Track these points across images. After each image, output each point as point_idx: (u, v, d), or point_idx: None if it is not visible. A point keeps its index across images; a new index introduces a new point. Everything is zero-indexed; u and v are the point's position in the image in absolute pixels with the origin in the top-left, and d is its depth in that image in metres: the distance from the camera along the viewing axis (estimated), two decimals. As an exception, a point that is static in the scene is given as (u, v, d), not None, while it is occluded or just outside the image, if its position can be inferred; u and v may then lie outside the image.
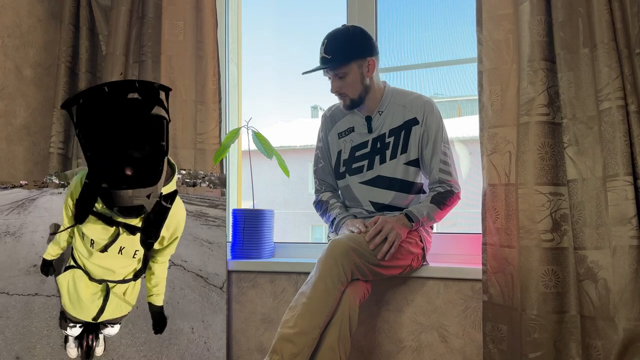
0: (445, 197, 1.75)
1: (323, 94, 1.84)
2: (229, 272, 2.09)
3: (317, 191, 1.95)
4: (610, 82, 1.48)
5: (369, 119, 1.82)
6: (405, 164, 1.79)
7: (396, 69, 2.25)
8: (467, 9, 2.00)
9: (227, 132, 2.25)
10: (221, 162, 2.08)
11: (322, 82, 1.83)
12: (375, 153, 1.81)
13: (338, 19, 1.85)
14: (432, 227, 1.88)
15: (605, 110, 1.49)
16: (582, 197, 1.55)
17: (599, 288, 1.50)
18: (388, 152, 1.80)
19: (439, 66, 2.34)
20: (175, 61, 2.09)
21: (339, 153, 1.88)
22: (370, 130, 1.82)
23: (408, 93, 1.85)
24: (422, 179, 1.84)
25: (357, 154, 1.84)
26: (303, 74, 1.81)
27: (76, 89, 2.16)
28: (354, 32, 1.76)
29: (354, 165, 1.84)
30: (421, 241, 1.77)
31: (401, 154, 1.79)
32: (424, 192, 1.85)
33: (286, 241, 2.25)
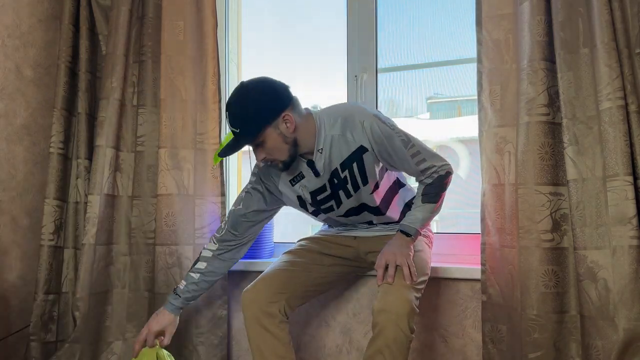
0: (436, 187, 1.61)
1: (323, 94, 1.84)
2: (229, 272, 2.09)
3: (215, 238, 1.75)
4: (610, 82, 1.48)
5: (311, 164, 1.61)
6: (372, 193, 1.64)
7: (396, 69, 2.25)
8: (467, 9, 2.00)
9: (227, 132, 2.25)
10: (221, 162, 2.08)
11: (323, 82, 1.82)
12: (337, 191, 1.64)
13: (338, 19, 1.84)
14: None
15: (605, 110, 1.49)
16: (582, 197, 1.55)
17: (599, 288, 1.50)
18: (349, 187, 1.62)
19: (439, 66, 2.33)
20: (175, 61, 2.09)
21: (299, 198, 1.69)
22: (317, 174, 1.62)
23: (335, 115, 1.59)
24: (391, 177, 1.71)
25: (319, 197, 1.66)
26: (220, 155, 1.59)
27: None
28: (252, 95, 1.52)
29: (323, 207, 1.69)
30: (429, 241, 1.78)
31: (364, 185, 1.62)
32: (402, 185, 1.75)
33: (286, 241, 2.25)
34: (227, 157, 2.22)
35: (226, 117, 1.55)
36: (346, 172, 1.60)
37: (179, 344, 2.00)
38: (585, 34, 1.56)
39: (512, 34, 1.69)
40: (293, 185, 1.67)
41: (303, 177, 1.64)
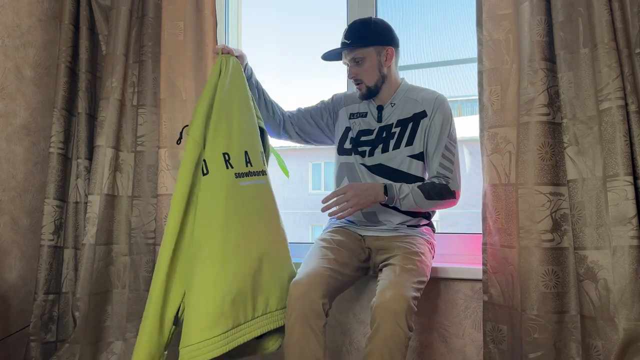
0: (437, 189, 1.70)
1: (324, 94, 1.85)
2: (229, 272, 2.09)
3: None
4: (610, 82, 1.48)
5: (380, 108, 1.82)
6: (409, 156, 1.76)
7: (396, 69, 2.25)
8: (467, 9, 2.00)
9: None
10: (221, 162, 2.08)
11: (322, 81, 1.83)
12: (379, 141, 1.79)
13: (338, 20, 1.85)
14: (433, 230, 1.88)
15: (605, 110, 1.49)
16: (582, 197, 1.55)
17: (599, 288, 1.50)
18: (392, 142, 1.78)
19: (439, 66, 2.34)
20: (175, 61, 2.09)
21: (347, 129, 1.86)
22: (379, 120, 1.82)
23: (423, 89, 1.84)
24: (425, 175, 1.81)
25: (363, 138, 1.83)
26: (322, 57, 1.83)
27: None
28: (375, 21, 1.80)
29: (359, 148, 1.82)
30: (431, 248, 1.78)
31: (406, 145, 1.76)
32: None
33: (286, 241, 2.24)
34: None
35: (344, 30, 1.78)
36: (398, 129, 1.78)
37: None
38: (585, 34, 1.56)
39: (513, 34, 1.69)
40: (350, 118, 1.88)
41: (364, 116, 1.85)
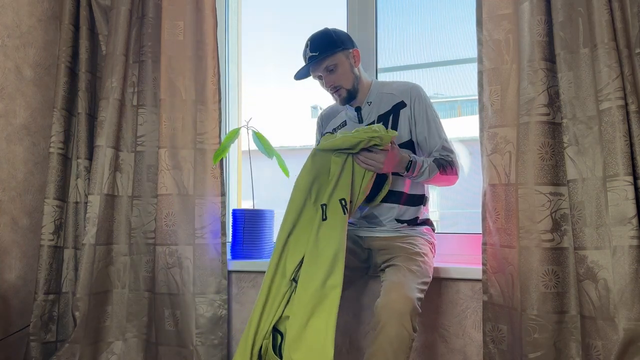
0: (447, 164, 1.74)
1: (323, 94, 1.85)
2: (229, 272, 2.09)
3: None
4: (610, 82, 1.48)
5: (358, 110, 1.84)
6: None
7: (396, 69, 2.25)
8: (467, 8, 2.00)
9: (227, 132, 2.25)
10: (221, 162, 2.08)
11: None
12: None
13: (338, 19, 1.86)
14: (433, 230, 1.88)
15: (605, 110, 1.49)
16: (582, 197, 1.54)
17: (599, 288, 1.50)
18: None
19: (439, 66, 2.34)
20: (175, 61, 2.09)
21: None
22: (360, 121, 1.84)
23: (395, 82, 1.87)
24: None
25: None
26: (295, 77, 1.85)
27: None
28: (332, 29, 1.82)
29: None
30: (432, 247, 1.79)
31: None
32: (419, 195, 1.82)
33: (286, 241, 2.24)
34: (227, 157, 2.22)
35: (306, 46, 1.79)
36: (380, 124, 1.75)
37: (179, 344, 2.00)
38: (585, 34, 1.56)
39: (513, 34, 1.69)
40: (333, 132, 1.89)
41: (345, 125, 1.88)
